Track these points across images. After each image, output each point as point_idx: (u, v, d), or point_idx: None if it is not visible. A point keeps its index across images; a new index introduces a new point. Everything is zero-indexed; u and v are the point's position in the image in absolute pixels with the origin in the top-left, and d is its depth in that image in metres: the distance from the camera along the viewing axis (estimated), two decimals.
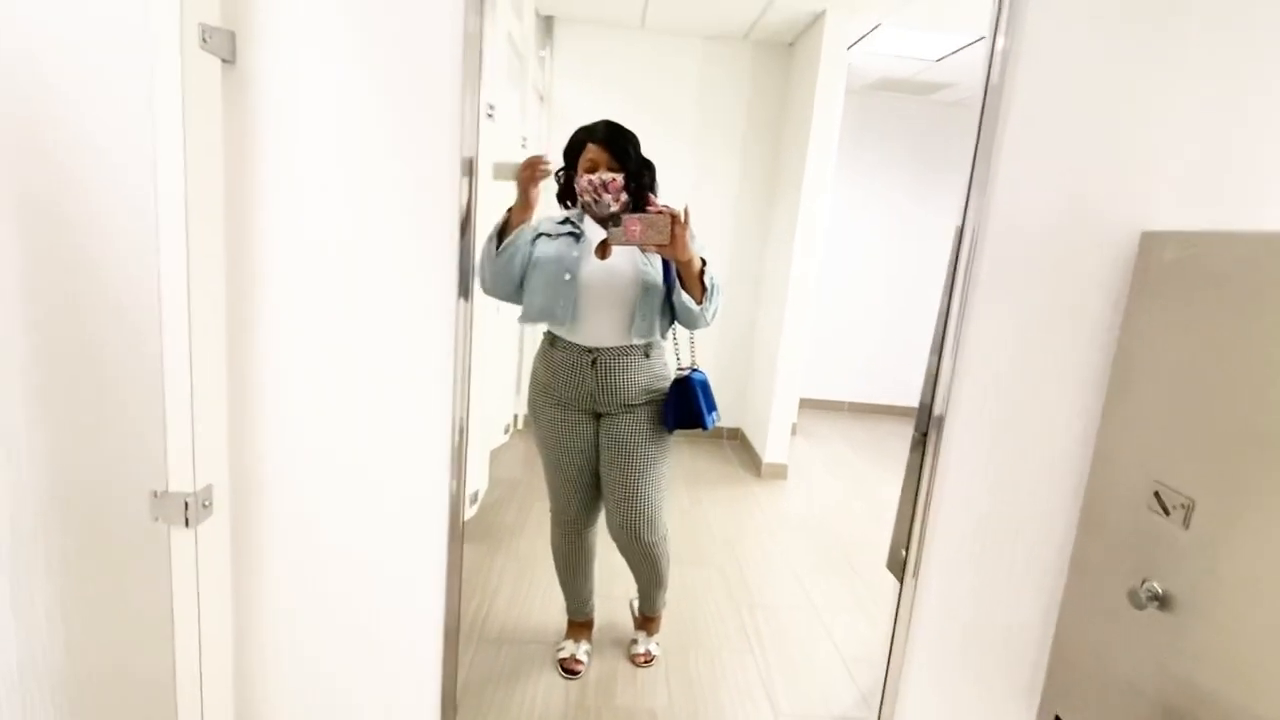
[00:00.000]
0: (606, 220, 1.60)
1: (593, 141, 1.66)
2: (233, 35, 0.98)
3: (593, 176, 1.65)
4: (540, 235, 1.72)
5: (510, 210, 1.66)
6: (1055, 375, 1.21)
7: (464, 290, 1.17)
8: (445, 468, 1.22)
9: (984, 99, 1.15)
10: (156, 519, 0.98)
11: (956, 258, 1.21)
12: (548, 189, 1.70)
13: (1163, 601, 0.99)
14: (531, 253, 1.70)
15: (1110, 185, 1.15)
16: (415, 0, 1.05)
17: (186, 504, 0.98)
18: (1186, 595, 0.96)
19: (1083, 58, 1.12)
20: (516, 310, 1.76)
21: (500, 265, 1.67)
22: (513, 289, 1.73)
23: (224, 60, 0.97)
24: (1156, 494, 1.01)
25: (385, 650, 1.29)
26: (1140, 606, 0.99)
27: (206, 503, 1.02)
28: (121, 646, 1.21)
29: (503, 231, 1.67)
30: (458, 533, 1.26)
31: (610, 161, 1.66)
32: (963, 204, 1.19)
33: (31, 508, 1.12)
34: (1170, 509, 0.99)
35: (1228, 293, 0.94)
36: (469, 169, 1.12)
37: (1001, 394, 1.22)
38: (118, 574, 1.18)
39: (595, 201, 1.66)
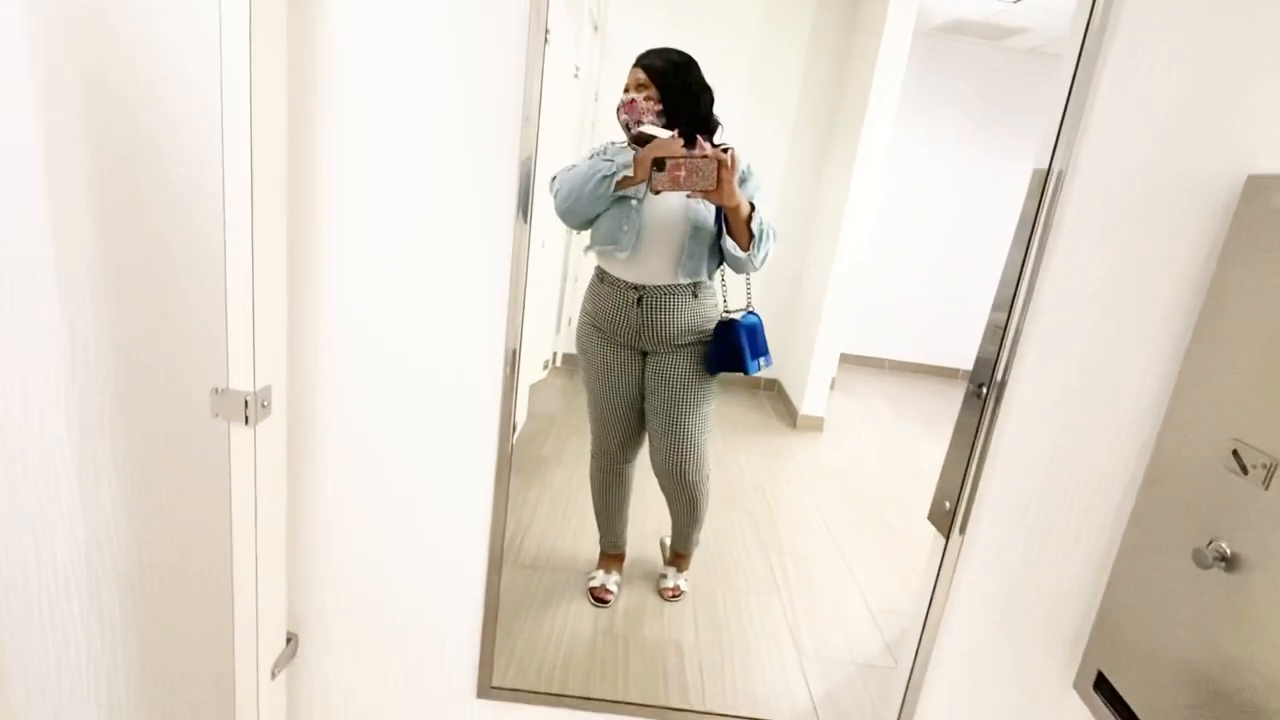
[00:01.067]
0: (635, 141, 1.56)
1: (636, 65, 1.62)
2: None
3: (625, 96, 1.60)
4: (604, 161, 1.68)
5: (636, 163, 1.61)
6: (1135, 335, 1.15)
7: (523, 211, 1.14)
8: (496, 395, 1.23)
9: (1083, 42, 1.06)
10: (217, 415, 1.00)
11: (1039, 205, 1.13)
12: None
13: (1230, 562, 0.95)
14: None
15: (1214, 127, 1.07)
16: None
17: (246, 402, 1.00)
18: (1257, 558, 0.93)
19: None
20: (560, 246, 1.74)
21: (579, 176, 1.64)
22: (581, 210, 1.70)
23: None
24: (1235, 452, 0.97)
25: (433, 563, 1.32)
26: (1205, 566, 0.96)
27: (265, 403, 1.04)
28: (182, 537, 1.26)
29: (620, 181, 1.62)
30: (506, 460, 1.27)
31: (643, 79, 1.60)
32: (1050, 147, 1.11)
33: (97, 400, 1.16)
34: (1250, 468, 0.94)
35: None
36: (536, 94, 1.09)
37: (1072, 351, 1.17)
38: (179, 468, 1.22)
39: (627, 126, 1.62)
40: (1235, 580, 0.95)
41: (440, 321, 1.19)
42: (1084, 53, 1.06)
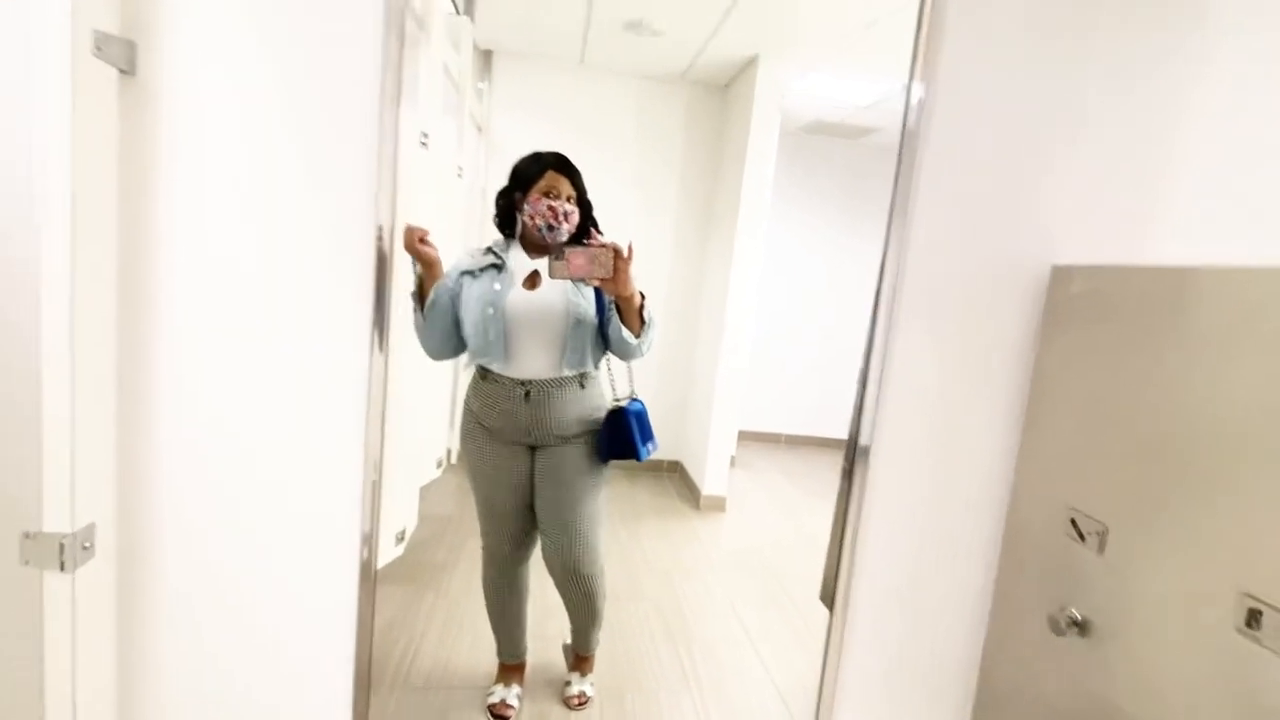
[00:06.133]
0: (551, 250, 1.57)
1: (551, 169, 1.65)
2: (133, 45, 0.93)
3: (555, 203, 1.63)
4: (464, 274, 1.68)
5: (420, 277, 1.64)
6: (976, 407, 1.24)
7: (379, 319, 1.11)
8: (356, 507, 1.15)
9: (901, 143, 1.19)
10: (27, 562, 0.89)
11: (879, 293, 1.23)
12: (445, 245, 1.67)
13: (1081, 627, 1.01)
14: (459, 295, 1.66)
15: (1022, 222, 1.21)
16: (331, 22, 1.02)
17: (62, 546, 0.89)
18: (1102, 620, 0.98)
19: (993, 106, 1.17)
20: None
21: (431, 329, 1.65)
22: (452, 345, 1.70)
23: (122, 70, 0.92)
24: (1072, 520, 1.04)
25: (294, 698, 1.19)
26: (1060, 633, 1.01)
27: (87, 544, 0.93)
28: None
29: (421, 298, 1.64)
30: (370, 575, 1.19)
31: (569, 189, 1.65)
32: (883, 241, 1.22)
33: None
34: (1085, 535, 1.01)
35: (1131, 323, 0.98)
36: (389, 193, 1.08)
37: (925, 426, 1.25)
38: None
39: (550, 228, 1.64)
40: (1089, 644, 1.00)
41: (291, 439, 1.11)
42: (903, 152, 1.19)
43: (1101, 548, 0.98)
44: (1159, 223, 1.22)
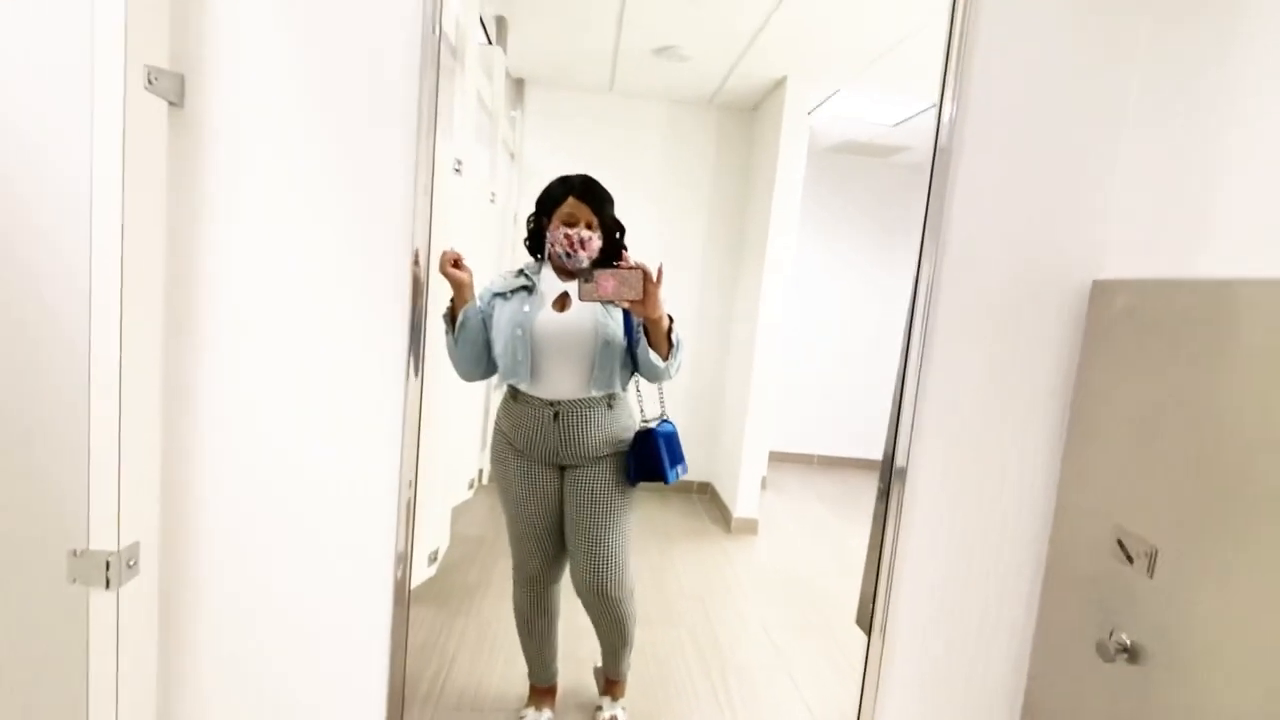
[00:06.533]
0: (577, 274, 1.58)
1: (573, 195, 1.66)
2: (181, 78, 0.97)
3: (571, 231, 1.64)
4: (495, 296, 1.71)
5: (451, 300, 1.66)
6: (1015, 426, 1.21)
7: (415, 344, 1.13)
8: (391, 527, 1.16)
9: (933, 161, 1.19)
10: (74, 580, 0.91)
11: (913, 313, 1.21)
12: (480, 267, 1.69)
13: (1131, 653, 0.97)
14: (491, 318, 1.69)
15: (1060, 237, 1.18)
16: (370, 55, 1.05)
17: (108, 564, 0.91)
18: (1153, 645, 0.94)
19: (1026, 121, 1.16)
20: None
21: (462, 351, 1.67)
22: (482, 366, 1.72)
23: (171, 103, 0.96)
24: (1119, 542, 1.00)
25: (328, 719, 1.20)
26: (1109, 659, 0.97)
27: (132, 562, 0.95)
28: (36, 715, 1.10)
29: (453, 319, 1.66)
30: (404, 595, 1.19)
31: (589, 216, 1.66)
32: (916, 261, 1.21)
33: None
34: (1134, 557, 0.98)
35: (1177, 338, 0.95)
36: (425, 220, 1.10)
37: (963, 446, 1.22)
38: (32, 638, 1.08)
39: (568, 255, 1.66)
40: (1140, 671, 0.96)
41: (329, 460, 1.13)
42: (935, 170, 1.18)
43: (1151, 570, 0.94)
44: (1204, 234, 1.18)
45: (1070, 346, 1.17)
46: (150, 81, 0.89)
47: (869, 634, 1.30)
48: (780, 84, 3.48)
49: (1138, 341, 1.03)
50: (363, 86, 1.05)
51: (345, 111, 1.06)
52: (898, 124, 3.98)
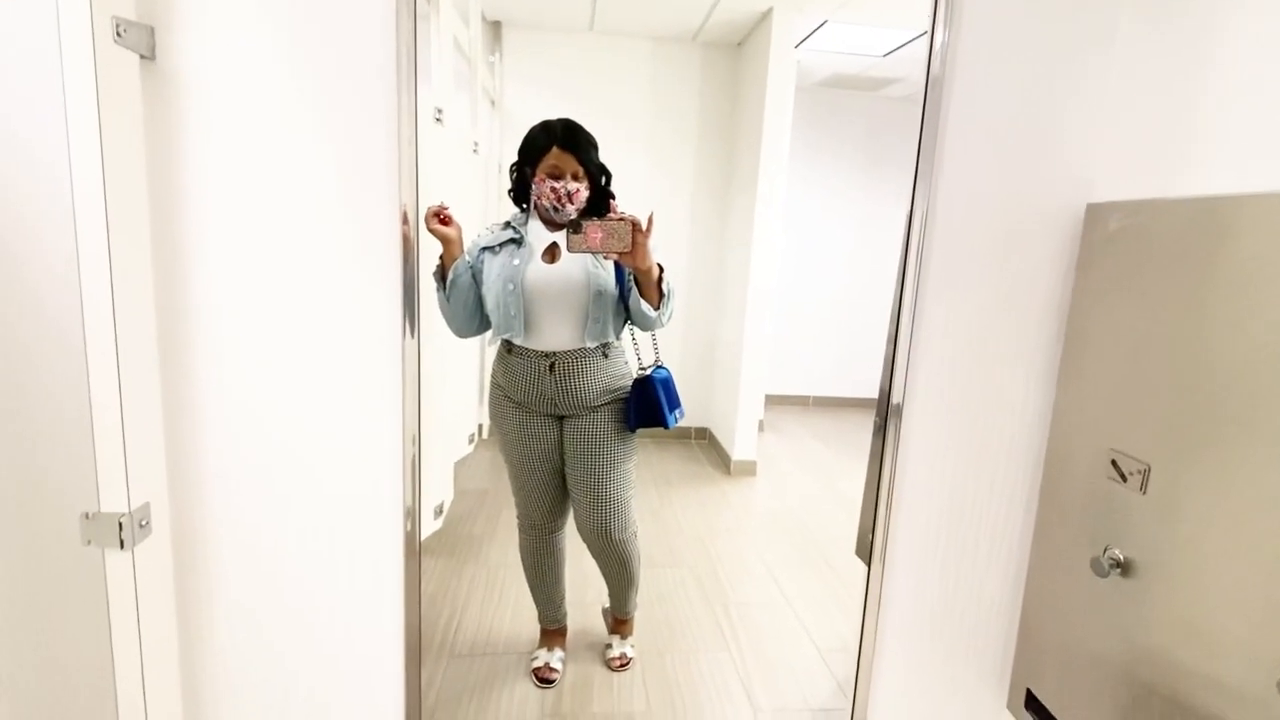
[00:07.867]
0: (565, 226, 1.56)
1: (556, 145, 1.61)
2: (151, 30, 0.93)
3: (557, 184, 1.61)
4: (484, 251, 1.69)
5: (441, 257, 1.63)
6: (1010, 354, 1.22)
7: (409, 304, 1.12)
8: (397, 483, 1.17)
9: (925, 90, 1.16)
10: (89, 542, 0.93)
11: (907, 246, 1.21)
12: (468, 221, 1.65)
13: (1124, 568, 1.00)
14: (481, 273, 1.67)
15: (1053, 163, 1.17)
16: (344, 2, 1.01)
17: (121, 524, 0.92)
18: (1146, 560, 0.97)
19: (1019, 46, 1.14)
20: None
21: (454, 309, 1.66)
22: (476, 322, 1.71)
23: (142, 56, 0.93)
24: (1114, 461, 1.03)
25: (344, 671, 1.23)
26: (1103, 574, 1.00)
27: (144, 522, 0.97)
28: (62, 675, 1.13)
29: (444, 277, 1.64)
30: (414, 548, 1.22)
31: (574, 166, 1.62)
32: (910, 192, 1.20)
33: None
34: (1128, 475, 1.00)
35: (1171, 258, 0.96)
36: (410, 175, 1.08)
37: (958, 377, 1.23)
38: (52, 602, 1.11)
39: (556, 209, 1.63)
40: (1132, 584, 1.00)
41: (333, 418, 1.14)
42: (928, 99, 1.16)
43: (1144, 487, 0.97)
44: (1198, 154, 1.17)
45: (1065, 271, 1.18)
46: (119, 34, 0.86)
47: (869, 563, 1.34)
48: (766, 16, 3.38)
49: (1131, 263, 1.03)
50: (338, 34, 1.02)
51: (321, 63, 1.02)
52: (887, 54, 3.89)
